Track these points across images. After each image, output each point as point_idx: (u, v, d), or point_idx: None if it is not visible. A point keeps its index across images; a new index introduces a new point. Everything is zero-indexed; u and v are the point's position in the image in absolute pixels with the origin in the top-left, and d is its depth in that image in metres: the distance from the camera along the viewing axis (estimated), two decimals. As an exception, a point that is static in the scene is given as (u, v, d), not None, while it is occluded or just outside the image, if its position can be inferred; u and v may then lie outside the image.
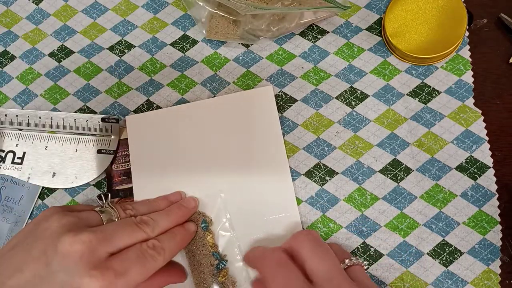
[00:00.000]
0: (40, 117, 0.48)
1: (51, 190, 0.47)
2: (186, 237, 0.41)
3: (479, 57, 0.47)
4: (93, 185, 0.47)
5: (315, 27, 0.50)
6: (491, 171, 0.43)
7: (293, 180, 0.45)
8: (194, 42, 0.51)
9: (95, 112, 0.49)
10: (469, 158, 0.44)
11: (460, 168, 0.44)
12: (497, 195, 0.43)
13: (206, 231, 0.42)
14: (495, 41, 0.48)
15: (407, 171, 0.44)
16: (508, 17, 0.48)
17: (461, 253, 0.42)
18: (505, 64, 0.47)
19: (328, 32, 0.49)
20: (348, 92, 0.47)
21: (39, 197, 0.47)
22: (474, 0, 0.49)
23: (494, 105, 0.46)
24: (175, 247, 0.39)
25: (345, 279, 0.34)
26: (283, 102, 0.47)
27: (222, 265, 0.42)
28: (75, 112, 0.49)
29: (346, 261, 0.37)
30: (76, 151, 0.47)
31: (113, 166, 0.47)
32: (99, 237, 0.35)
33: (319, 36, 0.49)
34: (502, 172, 0.44)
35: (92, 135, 0.48)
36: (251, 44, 0.50)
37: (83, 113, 0.49)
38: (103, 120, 0.47)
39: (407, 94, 0.46)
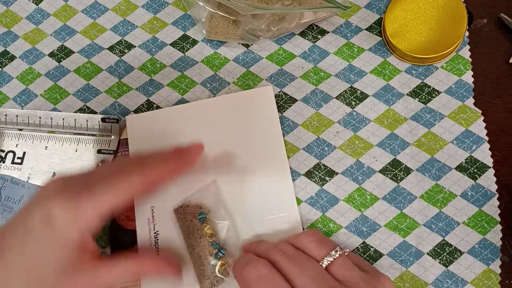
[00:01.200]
0: (40, 117, 0.48)
1: (51, 190, 0.47)
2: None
3: (479, 57, 0.47)
4: (93, 185, 0.47)
5: (315, 27, 0.50)
6: (491, 171, 0.43)
7: (293, 180, 0.45)
8: (194, 42, 0.51)
9: (95, 112, 0.49)
10: (469, 158, 0.44)
11: (460, 168, 0.44)
12: (497, 195, 0.43)
13: (204, 222, 0.42)
14: (495, 41, 0.48)
15: (407, 171, 0.44)
16: (508, 17, 0.48)
17: (461, 253, 0.42)
18: (505, 64, 0.47)
19: (328, 32, 0.49)
20: (348, 92, 0.47)
21: (39, 197, 0.47)
22: (474, 0, 0.49)
23: (494, 105, 0.46)
24: (158, 169, 0.38)
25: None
26: (283, 102, 0.47)
27: (221, 254, 0.41)
28: (75, 112, 0.49)
29: (325, 260, 0.35)
30: (76, 151, 0.47)
31: (113, 166, 0.47)
32: (80, 179, 0.35)
33: (319, 36, 0.49)
34: (502, 172, 0.43)
35: (92, 135, 0.48)
36: (251, 44, 0.50)
37: (83, 113, 0.49)
38: (103, 120, 0.47)
39: (407, 94, 0.46)
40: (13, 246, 0.34)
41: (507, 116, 0.46)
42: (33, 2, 0.54)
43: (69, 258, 0.34)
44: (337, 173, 0.45)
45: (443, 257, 0.42)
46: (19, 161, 0.48)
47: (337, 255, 0.35)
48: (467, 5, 0.47)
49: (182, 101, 0.48)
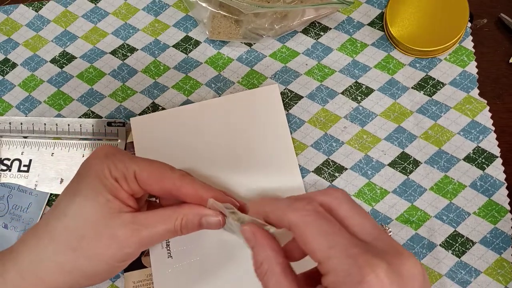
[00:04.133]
0: (45, 124, 0.48)
1: (59, 197, 0.47)
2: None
3: (479, 57, 0.47)
4: (101, 190, 0.47)
5: (317, 24, 0.50)
6: (499, 161, 0.44)
7: (302, 177, 0.45)
8: (197, 43, 0.51)
9: (100, 117, 0.49)
10: (476, 148, 0.44)
11: (468, 159, 0.44)
12: (506, 184, 0.43)
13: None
14: (495, 41, 0.48)
15: (416, 163, 0.44)
16: (508, 17, 0.48)
17: (473, 243, 0.42)
18: (505, 64, 0.47)
19: (330, 28, 0.50)
20: (353, 87, 0.47)
21: (47, 204, 0.47)
22: (474, 0, 0.49)
23: (494, 105, 0.46)
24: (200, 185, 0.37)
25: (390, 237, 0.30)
26: (289, 99, 0.47)
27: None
28: (80, 117, 0.49)
29: None
30: (83, 156, 0.47)
31: (120, 170, 0.46)
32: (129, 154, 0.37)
33: (322, 33, 0.49)
34: (504, 171, 0.44)
35: (99, 139, 0.47)
36: (254, 43, 0.50)
37: (88, 118, 0.49)
38: (109, 124, 0.47)
39: (412, 87, 0.47)
40: (57, 214, 0.35)
41: (507, 116, 0.46)
42: (33, 9, 0.54)
43: (104, 206, 0.34)
44: (346, 169, 0.45)
45: (455, 248, 0.42)
46: (25, 168, 0.47)
47: None
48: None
49: (187, 103, 0.48)
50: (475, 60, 0.47)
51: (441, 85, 0.46)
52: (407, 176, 0.44)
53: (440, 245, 0.42)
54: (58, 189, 0.46)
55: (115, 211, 0.34)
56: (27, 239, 0.35)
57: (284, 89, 0.48)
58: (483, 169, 0.44)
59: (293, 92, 0.48)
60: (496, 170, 0.43)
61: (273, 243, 0.31)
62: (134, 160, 0.36)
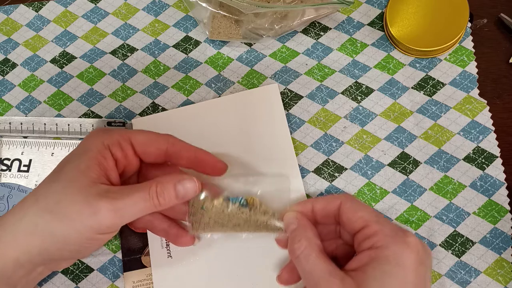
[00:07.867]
0: (45, 124, 0.48)
1: (59, 197, 0.47)
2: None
3: (479, 57, 0.47)
4: (101, 190, 0.47)
5: (317, 24, 0.50)
6: (499, 161, 0.44)
7: (302, 177, 0.45)
8: (197, 43, 0.51)
9: (100, 117, 0.49)
10: (476, 148, 0.44)
11: (468, 159, 0.44)
12: (506, 184, 0.43)
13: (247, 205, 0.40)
14: (495, 41, 0.48)
15: (416, 163, 0.44)
16: (508, 17, 0.48)
17: (473, 243, 0.42)
18: (505, 64, 0.47)
19: (330, 28, 0.50)
20: (353, 87, 0.47)
21: (47, 204, 0.47)
22: (474, 0, 0.49)
23: (494, 105, 0.46)
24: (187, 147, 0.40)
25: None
26: (289, 99, 0.47)
27: (243, 200, 0.39)
28: (80, 117, 0.49)
29: None
30: (83, 156, 0.47)
31: (120, 170, 0.46)
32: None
33: (322, 33, 0.49)
34: (504, 171, 0.44)
35: (99, 139, 0.47)
36: (254, 43, 0.50)
37: (88, 118, 0.49)
38: (109, 124, 0.47)
39: (412, 87, 0.47)
40: (46, 180, 0.37)
41: (507, 116, 0.46)
42: (33, 9, 0.54)
43: (83, 173, 0.35)
44: (346, 169, 0.45)
45: (455, 247, 0.42)
46: (25, 168, 0.47)
47: None
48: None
49: (187, 103, 0.48)
50: (475, 60, 0.47)
51: (441, 85, 0.46)
52: (407, 176, 0.44)
53: (440, 245, 0.42)
54: (58, 189, 0.46)
55: (93, 180, 0.35)
56: (15, 205, 0.36)
57: (284, 89, 0.48)
58: (483, 169, 0.44)
59: (293, 92, 0.48)
60: (496, 170, 0.43)
61: (314, 228, 0.36)
62: (130, 130, 0.39)
